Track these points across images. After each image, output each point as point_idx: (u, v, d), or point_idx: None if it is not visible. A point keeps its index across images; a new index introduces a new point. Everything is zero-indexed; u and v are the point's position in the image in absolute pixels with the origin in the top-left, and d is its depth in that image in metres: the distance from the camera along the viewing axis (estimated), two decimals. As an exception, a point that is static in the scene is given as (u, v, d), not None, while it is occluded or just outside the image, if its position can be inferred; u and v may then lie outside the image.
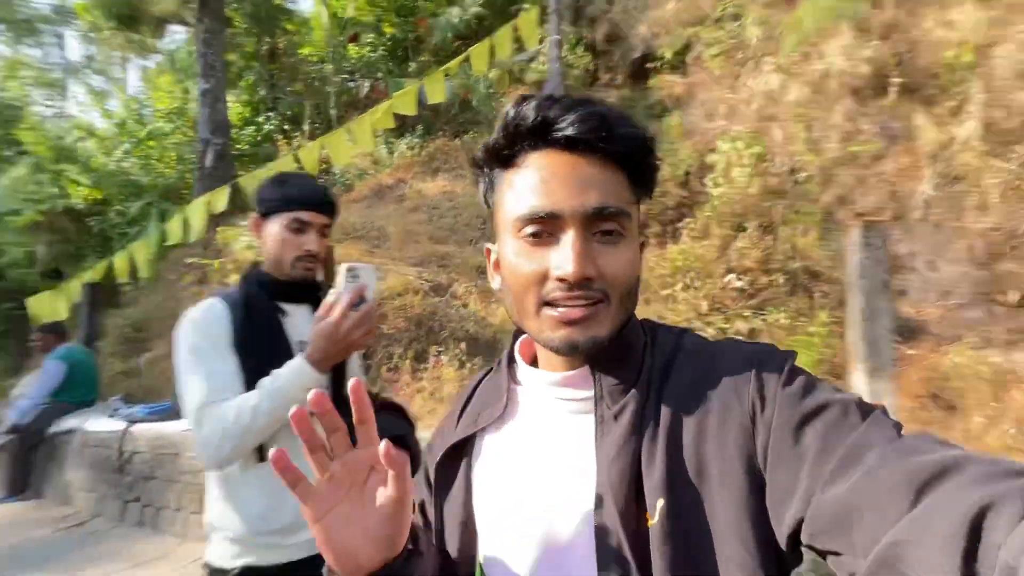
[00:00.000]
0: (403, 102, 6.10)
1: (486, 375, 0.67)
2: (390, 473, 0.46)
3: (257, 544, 1.14)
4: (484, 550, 0.57)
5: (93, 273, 6.63)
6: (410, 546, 0.50)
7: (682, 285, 4.19)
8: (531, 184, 0.51)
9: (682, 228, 4.48)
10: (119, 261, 6.46)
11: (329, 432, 0.46)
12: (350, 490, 0.47)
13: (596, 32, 7.47)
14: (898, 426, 0.43)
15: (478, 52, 6.69)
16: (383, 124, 6.34)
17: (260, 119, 8.59)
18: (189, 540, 3.23)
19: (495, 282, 0.59)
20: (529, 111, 0.51)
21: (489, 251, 0.60)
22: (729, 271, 3.96)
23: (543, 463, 0.55)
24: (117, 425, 3.93)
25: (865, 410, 0.44)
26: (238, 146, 8.21)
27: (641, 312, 0.57)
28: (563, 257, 0.49)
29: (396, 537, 0.48)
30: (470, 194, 5.94)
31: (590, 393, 0.54)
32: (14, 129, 7.52)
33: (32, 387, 4.56)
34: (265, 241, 1.22)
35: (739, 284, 3.87)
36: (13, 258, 6.80)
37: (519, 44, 6.74)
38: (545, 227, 0.50)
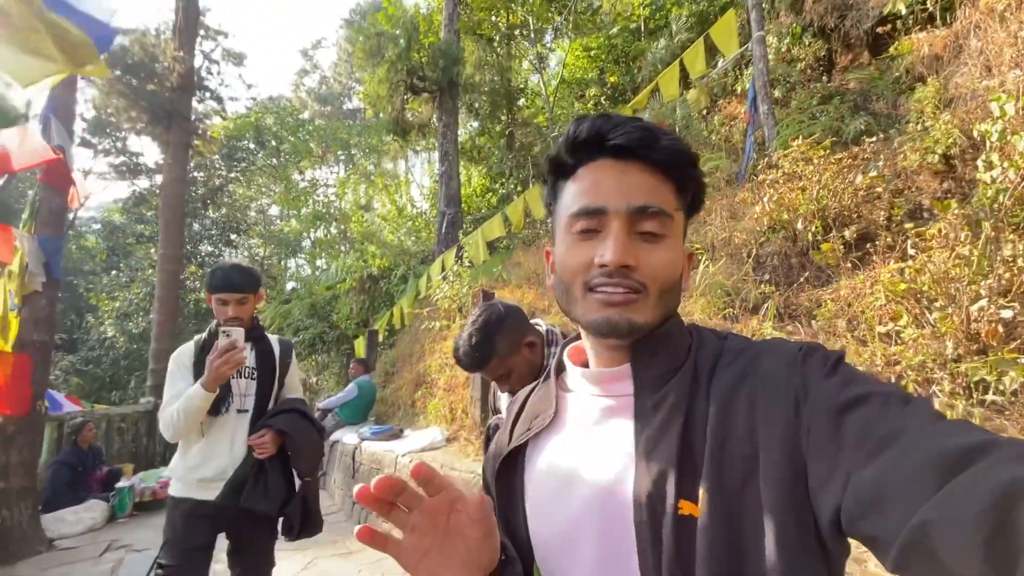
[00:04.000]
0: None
1: (535, 388, 0.70)
2: (473, 517, 0.50)
3: (195, 484, 1.85)
4: (537, 551, 0.60)
5: (381, 322, 8.88)
6: (503, 556, 0.55)
7: (910, 318, 2.94)
8: (584, 187, 0.57)
9: (930, 235, 3.15)
10: (395, 312, 8.47)
11: (411, 497, 0.50)
12: (434, 533, 0.50)
13: (823, 9, 6.13)
14: (937, 413, 0.42)
15: (666, 79, 6.34)
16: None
17: (497, 186, 10.04)
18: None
19: (549, 280, 0.64)
20: (585, 127, 0.56)
21: (548, 253, 0.65)
22: (988, 295, 2.57)
23: (588, 459, 0.57)
24: (354, 441, 5.10)
25: (906, 399, 0.44)
26: (482, 211, 9.79)
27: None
28: (606, 246, 0.54)
29: (490, 557, 0.52)
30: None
31: (632, 389, 0.56)
32: (347, 224, 10.95)
33: (329, 401, 6.26)
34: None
35: (1006, 314, 2.47)
36: (343, 313, 9.71)
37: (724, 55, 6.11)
38: (593, 223, 0.55)
